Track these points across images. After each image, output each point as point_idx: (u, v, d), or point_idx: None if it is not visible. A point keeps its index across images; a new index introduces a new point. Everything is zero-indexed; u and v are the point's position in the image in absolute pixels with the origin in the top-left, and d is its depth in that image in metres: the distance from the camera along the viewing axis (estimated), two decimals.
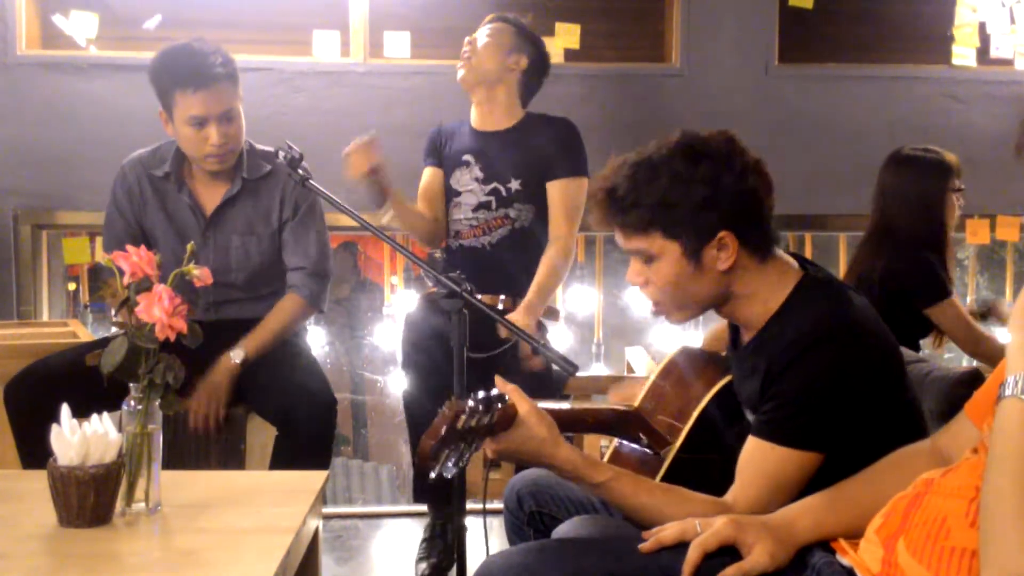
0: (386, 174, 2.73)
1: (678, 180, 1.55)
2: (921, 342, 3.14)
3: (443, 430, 1.39)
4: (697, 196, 1.55)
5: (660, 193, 1.56)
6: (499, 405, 1.45)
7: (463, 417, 1.40)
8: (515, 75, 2.93)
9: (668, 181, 1.56)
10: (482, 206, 2.89)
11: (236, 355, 2.56)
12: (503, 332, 2.64)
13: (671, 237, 1.57)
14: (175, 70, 2.51)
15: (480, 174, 2.90)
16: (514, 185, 2.86)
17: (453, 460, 1.44)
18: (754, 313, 1.63)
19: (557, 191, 2.87)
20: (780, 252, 1.65)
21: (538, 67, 2.99)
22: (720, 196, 1.55)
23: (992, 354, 2.97)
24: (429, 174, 3.01)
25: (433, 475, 1.45)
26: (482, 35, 2.94)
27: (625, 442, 1.78)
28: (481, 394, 1.43)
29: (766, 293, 1.61)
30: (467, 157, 2.92)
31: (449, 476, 1.47)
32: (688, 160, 1.56)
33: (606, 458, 1.78)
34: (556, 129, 2.93)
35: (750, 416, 1.64)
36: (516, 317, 2.70)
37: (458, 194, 2.92)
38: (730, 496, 1.56)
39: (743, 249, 1.59)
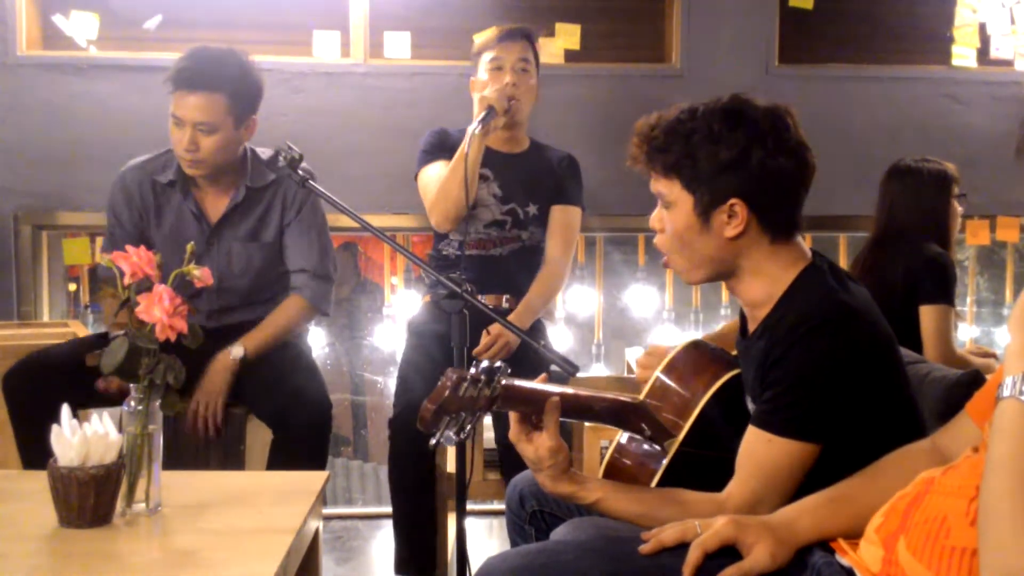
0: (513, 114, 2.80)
1: (709, 137, 1.57)
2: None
3: (445, 395, 1.41)
4: (720, 158, 1.57)
5: (691, 145, 1.58)
6: (501, 378, 1.46)
7: (465, 384, 1.42)
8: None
9: (702, 136, 1.58)
10: (496, 224, 2.87)
11: (235, 351, 2.56)
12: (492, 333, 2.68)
13: (688, 189, 1.60)
14: (181, 66, 2.52)
15: (499, 191, 2.88)
16: (532, 210, 2.88)
17: (454, 429, 1.45)
18: (758, 294, 1.64)
19: (560, 214, 2.92)
20: (799, 240, 1.66)
21: None
22: (743, 165, 1.57)
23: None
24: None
25: (433, 442, 1.46)
26: (514, 62, 2.86)
27: (628, 441, 1.78)
28: (485, 363, 1.45)
29: (772, 274, 1.62)
30: (485, 171, 2.86)
31: (450, 445, 1.48)
32: (726, 122, 1.58)
33: (607, 456, 1.78)
34: (564, 160, 2.98)
35: (752, 406, 1.65)
36: (495, 330, 2.70)
37: (473, 206, 2.83)
38: (727, 491, 1.56)
39: (757, 224, 1.60)
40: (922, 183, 3.13)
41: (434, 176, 2.85)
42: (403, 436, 2.59)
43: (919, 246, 3.05)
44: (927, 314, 3.02)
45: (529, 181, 2.89)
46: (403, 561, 2.70)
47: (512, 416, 1.55)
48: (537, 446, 1.54)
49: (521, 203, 2.88)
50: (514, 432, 1.55)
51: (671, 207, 1.63)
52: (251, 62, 2.62)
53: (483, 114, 2.72)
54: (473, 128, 2.68)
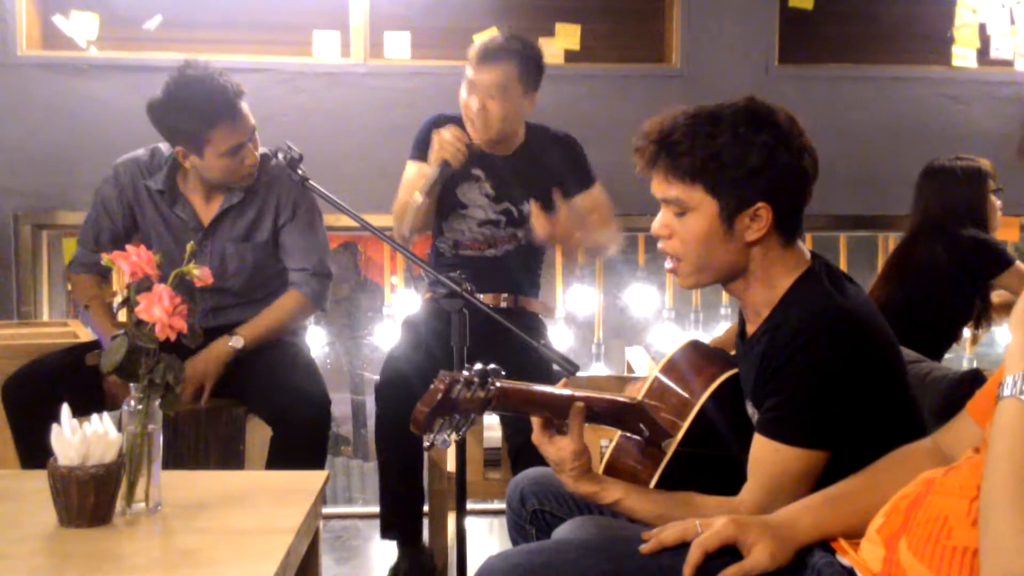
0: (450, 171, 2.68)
1: (737, 140, 1.55)
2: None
3: (438, 398, 1.42)
4: (750, 161, 1.55)
5: (716, 147, 1.55)
6: (495, 380, 1.47)
7: (458, 387, 1.43)
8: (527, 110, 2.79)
9: (728, 139, 1.55)
10: (490, 223, 2.81)
11: (235, 341, 2.57)
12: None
13: (712, 194, 1.57)
14: (207, 109, 2.44)
15: (491, 191, 2.80)
16: (528, 208, 2.79)
17: (448, 432, 1.47)
18: (759, 297, 1.64)
19: (591, 199, 2.84)
20: (800, 244, 1.66)
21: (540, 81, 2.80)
22: (771, 168, 1.55)
23: None
24: (420, 169, 2.77)
25: (427, 444, 1.48)
26: (484, 88, 2.66)
27: (627, 440, 1.78)
28: (478, 366, 1.45)
29: (776, 278, 1.62)
30: (476, 172, 2.79)
31: (444, 447, 1.50)
32: (752, 124, 1.56)
33: (606, 455, 1.78)
34: (565, 147, 2.86)
35: (751, 409, 1.65)
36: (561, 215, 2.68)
37: (464, 207, 2.81)
38: (740, 496, 1.58)
39: (775, 226, 1.59)
40: (955, 180, 3.12)
41: (405, 181, 2.81)
42: (389, 401, 2.61)
43: (957, 233, 3.06)
44: (1005, 282, 3.05)
45: (525, 179, 2.80)
46: (389, 525, 2.72)
47: (535, 420, 1.58)
48: (560, 448, 1.57)
49: (516, 201, 2.81)
50: (537, 435, 1.58)
51: (689, 212, 1.59)
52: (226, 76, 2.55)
53: (438, 168, 2.63)
54: (427, 185, 2.61)
